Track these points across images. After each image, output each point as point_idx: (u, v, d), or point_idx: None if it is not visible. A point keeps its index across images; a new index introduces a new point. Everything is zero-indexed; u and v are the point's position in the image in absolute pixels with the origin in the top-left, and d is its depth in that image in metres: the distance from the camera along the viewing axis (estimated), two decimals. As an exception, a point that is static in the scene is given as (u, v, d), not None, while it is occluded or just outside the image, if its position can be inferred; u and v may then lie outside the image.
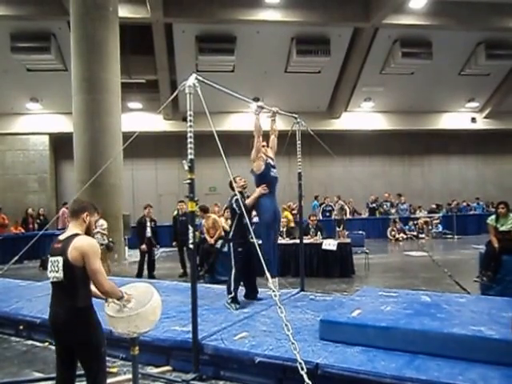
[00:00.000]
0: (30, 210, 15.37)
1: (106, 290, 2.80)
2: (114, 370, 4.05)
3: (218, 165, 13.69)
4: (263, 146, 5.65)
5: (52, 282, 2.81)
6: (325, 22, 13.84)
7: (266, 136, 5.81)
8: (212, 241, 8.65)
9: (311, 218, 9.76)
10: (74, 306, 2.72)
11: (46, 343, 4.92)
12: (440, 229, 15.90)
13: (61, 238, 2.86)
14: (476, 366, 3.31)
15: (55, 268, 2.75)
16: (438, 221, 16.26)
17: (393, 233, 15.36)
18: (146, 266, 9.00)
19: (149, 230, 9.20)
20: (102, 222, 8.80)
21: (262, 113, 5.64)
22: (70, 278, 2.72)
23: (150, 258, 9.09)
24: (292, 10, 13.44)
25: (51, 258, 2.80)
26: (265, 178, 5.55)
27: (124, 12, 12.20)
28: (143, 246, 8.91)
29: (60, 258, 2.73)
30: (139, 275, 8.79)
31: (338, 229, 13.64)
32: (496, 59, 15.43)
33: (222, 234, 8.74)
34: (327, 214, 15.53)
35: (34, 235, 8.03)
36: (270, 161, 5.66)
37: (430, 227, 16.09)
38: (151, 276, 8.94)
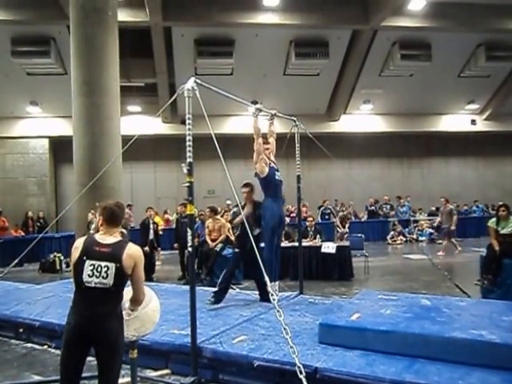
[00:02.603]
0: (29, 213, 15.34)
1: (141, 299, 2.87)
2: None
3: (216, 168, 13.87)
4: (266, 149, 5.68)
5: (88, 287, 2.61)
6: (323, 25, 13.83)
7: (265, 139, 5.82)
8: (212, 244, 8.62)
9: (308, 220, 9.73)
10: (115, 310, 2.68)
11: (45, 346, 4.93)
12: (428, 233, 15.49)
13: (102, 241, 2.70)
14: (476, 371, 3.29)
15: (102, 274, 2.60)
16: (427, 224, 15.87)
17: (394, 238, 15.29)
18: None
19: (151, 232, 9.18)
20: None
21: (261, 115, 5.65)
22: (118, 284, 2.65)
23: (151, 261, 9.07)
24: (290, 13, 13.44)
25: (93, 262, 2.62)
26: (270, 181, 5.60)
27: (123, 16, 12.20)
28: (146, 248, 8.88)
29: (111, 265, 2.61)
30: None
31: (340, 230, 13.44)
32: (496, 61, 15.41)
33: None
34: (326, 216, 15.48)
35: (33, 238, 8.00)
36: (273, 165, 5.72)
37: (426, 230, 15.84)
38: (150, 279, 8.93)
